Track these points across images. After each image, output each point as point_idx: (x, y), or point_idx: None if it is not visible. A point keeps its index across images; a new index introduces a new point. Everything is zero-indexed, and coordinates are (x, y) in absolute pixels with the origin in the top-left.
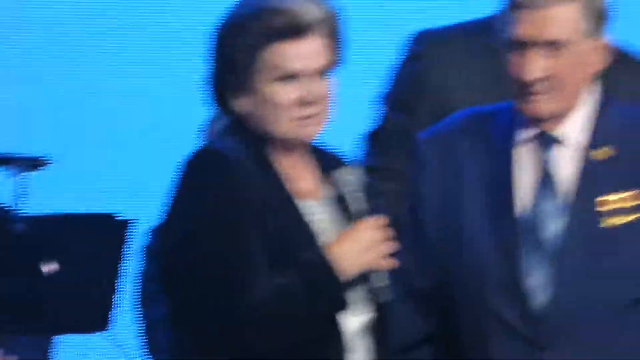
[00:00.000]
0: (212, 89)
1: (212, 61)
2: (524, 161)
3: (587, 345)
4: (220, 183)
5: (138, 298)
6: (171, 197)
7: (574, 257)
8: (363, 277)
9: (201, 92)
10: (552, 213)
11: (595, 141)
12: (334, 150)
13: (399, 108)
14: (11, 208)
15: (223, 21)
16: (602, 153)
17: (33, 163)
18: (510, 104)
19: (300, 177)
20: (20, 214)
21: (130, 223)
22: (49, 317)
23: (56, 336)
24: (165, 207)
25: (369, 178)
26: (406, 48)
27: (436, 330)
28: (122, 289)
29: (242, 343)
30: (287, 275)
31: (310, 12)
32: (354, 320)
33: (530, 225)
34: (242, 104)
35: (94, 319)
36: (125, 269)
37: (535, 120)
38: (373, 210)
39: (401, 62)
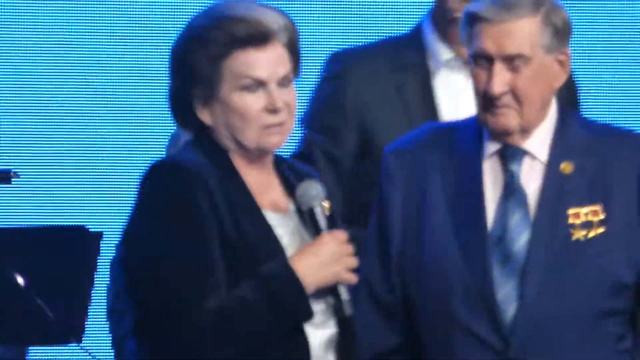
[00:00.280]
0: (175, 102)
1: (174, 74)
2: (490, 174)
3: (557, 357)
4: (178, 194)
5: (109, 311)
6: (132, 210)
7: (542, 270)
8: (326, 291)
9: (166, 104)
10: (520, 226)
11: (559, 155)
12: (298, 164)
13: (321, 129)
14: None
15: (184, 33)
16: (568, 167)
17: (1, 176)
18: (475, 117)
19: (264, 189)
20: None
21: (102, 235)
22: (23, 328)
23: (30, 347)
24: (128, 220)
25: None
26: (324, 69)
27: (403, 343)
28: (95, 300)
29: (199, 353)
30: (246, 285)
31: (272, 20)
32: (320, 335)
33: (499, 239)
34: (207, 116)
35: (68, 330)
36: (99, 281)
37: (500, 134)
38: (335, 224)
39: (320, 84)
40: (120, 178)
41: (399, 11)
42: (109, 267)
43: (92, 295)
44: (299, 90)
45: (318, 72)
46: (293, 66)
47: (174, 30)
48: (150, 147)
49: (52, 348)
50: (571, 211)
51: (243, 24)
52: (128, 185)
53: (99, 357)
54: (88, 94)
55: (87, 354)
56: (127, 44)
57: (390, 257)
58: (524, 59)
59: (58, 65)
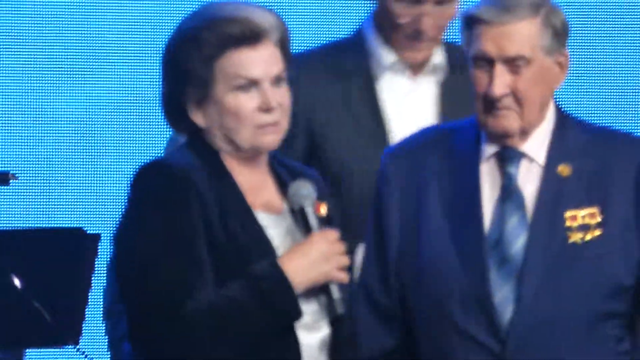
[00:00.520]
0: (168, 105)
1: (167, 76)
2: (488, 177)
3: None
4: (165, 195)
5: (106, 313)
6: (123, 212)
7: (540, 273)
8: (318, 291)
9: (160, 106)
10: (517, 229)
11: (557, 157)
12: (295, 163)
13: None
14: None
15: (175, 35)
16: (565, 169)
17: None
18: (473, 120)
19: (257, 190)
20: None
21: (100, 237)
22: (20, 330)
23: (27, 349)
24: (118, 222)
25: None
26: None
27: (401, 345)
28: (92, 302)
29: (187, 352)
30: (235, 285)
31: (263, 19)
32: (314, 336)
33: (496, 241)
34: (201, 117)
35: (65, 332)
36: (96, 282)
37: (500, 136)
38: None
39: None
40: (117, 180)
41: None
42: (106, 268)
43: (89, 297)
44: None
45: None
46: (285, 65)
47: (169, 32)
48: (149, 149)
49: (49, 350)
50: (568, 214)
51: (235, 24)
52: (125, 187)
53: (96, 359)
54: (86, 96)
55: (84, 356)
56: (123, 46)
57: (388, 259)
58: (525, 60)
59: (55, 66)
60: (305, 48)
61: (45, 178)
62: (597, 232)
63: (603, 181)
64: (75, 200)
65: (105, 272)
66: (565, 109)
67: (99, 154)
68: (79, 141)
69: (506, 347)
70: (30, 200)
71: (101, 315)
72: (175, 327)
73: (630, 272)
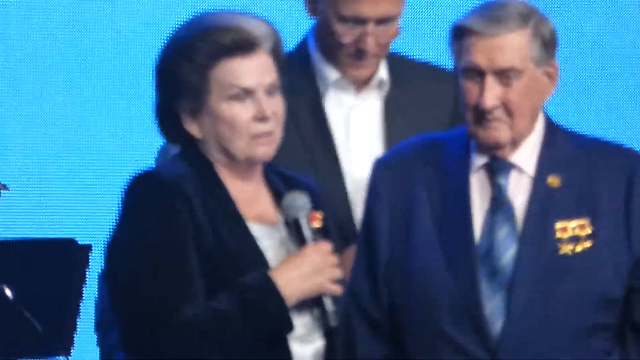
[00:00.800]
0: (162, 116)
1: (160, 87)
2: (477, 188)
3: None
4: (155, 206)
5: (97, 324)
6: (115, 223)
7: (530, 284)
8: (312, 303)
9: (153, 117)
10: (507, 240)
11: (547, 168)
12: (292, 174)
13: None
14: None
15: (168, 45)
16: (555, 180)
17: None
18: (463, 130)
19: (251, 200)
20: None
21: (91, 248)
22: (11, 341)
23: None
24: (110, 233)
25: None
26: None
27: (391, 355)
28: (84, 313)
29: None
30: (224, 296)
31: (256, 27)
32: (309, 348)
33: (487, 252)
34: (195, 128)
35: (57, 342)
36: (87, 293)
37: (491, 147)
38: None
39: None
40: (109, 190)
41: None
42: (97, 279)
43: (80, 307)
44: None
45: None
46: (278, 74)
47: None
48: (140, 160)
49: None
50: (559, 225)
51: (228, 33)
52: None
53: None
54: (78, 105)
55: None
56: (115, 57)
57: (377, 269)
58: (516, 72)
59: (47, 76)
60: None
61: (36, 188)
62: (587, 244)
63: (593, 192)
64: (67, 210)
65: (96, 282)
66: (553, 117)
67: (90, 164)
68: (70, 151)
69: (496, 358)
70: (22, 210)
71: (92, 325)
72: (166, 337)
73: (620, 283)
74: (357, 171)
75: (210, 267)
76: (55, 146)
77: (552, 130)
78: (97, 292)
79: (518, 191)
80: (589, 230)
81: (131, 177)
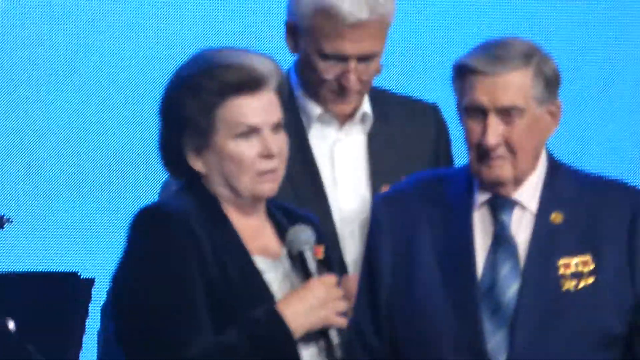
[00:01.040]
0: (166, 151)
1: (165, 123)
2: (480, 224)
3: None
4: (162, 241)
5: (99, 357)
6: (121, 258)
7: (532, 320)
8: (317, 335)
9: (157, 152)
10: (510, 276)
11: (549, 205)
12: (293, 208)
13: None
14: None
15: (174, 81)
16: (558, 217)
17: None
18: (465, 167)
19: (255, 234)
20: None
21: (94, 281)
22: None
23: None
24: (116, 267)
25: None
26: None
27: None
28: (86, 346)
29: None
30: (232, 331)
31: (262, 65)
32: None
33: (489, 289)
34: (200, 164)
35: None
36: (90, 326)
37: (493, 185)
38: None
39: None
40: (112, 223)
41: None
42: (100, 312)
43: (83, 341)
44: None
45: None
46: (282, 111)
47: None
48: (143, 193)
49: None
50: (561, 262)
51: (235, 71)
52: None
53: None
54: (80, 138)
55: None
56: (119, 86)
57: (379, 304)
58: (518, 110)
59: (49, 107)
60: None
61: (40, 222)
62: (590, 280)
63: (595, 229)
64: (70, 244)
65: (99, 316)
66: (553, 152)
67: (94, 197)
68: (74, 184)
69: None
70: (25, 244)
71: (95, 358)
72: None
73: (622, 320)
74: (344, 204)
75: (217, 301)
76: (58, 179)
77: (555, 167)
78: (99, 325)
79: (520, 228)
80: (591, 267)
81: (137, 212)
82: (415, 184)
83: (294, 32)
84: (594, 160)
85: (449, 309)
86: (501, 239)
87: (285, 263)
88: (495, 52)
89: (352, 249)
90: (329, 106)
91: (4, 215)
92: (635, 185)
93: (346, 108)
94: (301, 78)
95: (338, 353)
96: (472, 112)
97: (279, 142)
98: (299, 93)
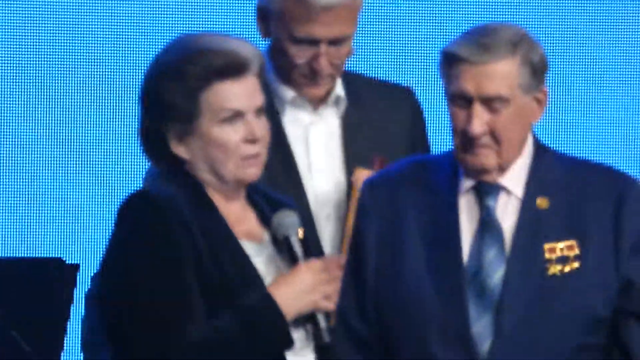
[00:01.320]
0: (148, 138)
1: (147, 110)
2: (466, 210)
3: None
4: (154, 226)
5: (84, 344)
6: (108, 244)
7: (518, 305)
8: (304, 319)
9: (138, 139)
10: (496, 261)
11: (535, 190)
12: (271, 192)
13: None
14: None
15: (155, 67)
16: (543, 202)
17: None
18: (450, 152)
19: (239, 219)
20: None
21: (79, 267)
22: None
23: None
24: (104, 254)
25: None
26: None
27: None
28: (70, 333)
29: None
30: (226, 316)
31: (245, 50)
32: None
33: (475, 273)
34: (183, 150)
35: None
36: (75, 313)
37: (478, 173)
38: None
39: None
40: (97, 209)
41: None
42: (84, 299)
43: (67, 327)
44: None
45: None
46: (264, 96)
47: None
48: (127, 179)
49: None
50: (547, 246)
51: (219, 56)
52: (105, 216)
53: None
54: (64, 123)
55: None
56: (100, 72)
57: (365, 290)
58: (504, 100)
59: (33, 91)
60: None
61: (24, 207)
62: (575, 265)
63: (581, 214)
64: (55, 230)
65: (83, 302)
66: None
67: (78, 183)
68: (57, 170)
69: None
70: (9, 229)
71: (79, 345)
72: (175, 358)
73: (607, 303)
74: (319, 188)
75: (209, 285)
76: (43, 164)
77: (541, 151)
78: (84, 312)
79: (507, 213)
80: (577, 251)
81: (126, 197)
82: (401, 170)
83: (265, 16)
84: (579, 144)
85: (434, 294)
86: (487, 225)
87: (269, 247)
88: (483, 40)
89: (328, 231)
90: (301, 90)
91: None
92: (620, 169)
93: (319, 91)
94: (273, 63)
95: (325, 337)
96: (458, 100)
97: (262, 127)
98: (271, 77)
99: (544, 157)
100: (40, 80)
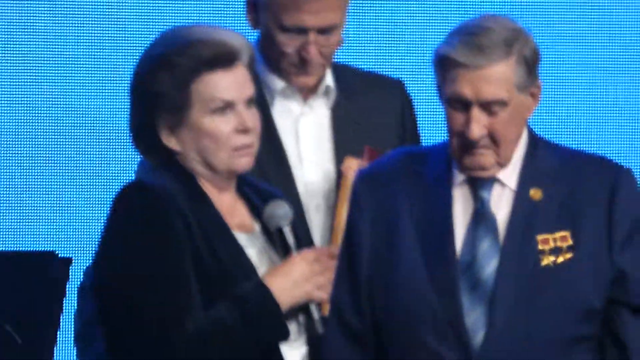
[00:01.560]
0: (139, 131)
1: (138, 102)
2: (460, 201)
3: None
4: (150, 216)
5: (77, 337)
6: (103, 235)
7: (511, 296)
8: (298, 310)
9: (128, 132)
10: (489, 252)
11: (529, 181)
12: (261, 184)
13: None
14: None
15: (145, 60)
16: (537, 193)
17: None
18: (444, 144)
19: (231, 210)
20: None
21: (72, 261)
22: None
23: None
24: (98, 245)
25: None
26: None
27: None
28: (63, 326)
29: None
30: (223, 306)
31: (235, 41)
32: (293, 354)
33: (468, 265)
34: (174, 142)
35: (36, 355)
36: (66, 305)
37: (477, 171)
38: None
39: None
40: (89, 202)
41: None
42: (76, 291)
43: (60, 320)
44: None
45: None
46: (254, 87)
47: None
48: (120, 172)
49: None
50: (540, 237)
51: (209, 46)
52: (98, 209)
53: None
54: (59, 116)
55: None
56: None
57: (359, 282)
58: (502, 103)
59: (26, 87)
60: None
61: (17, 200)
62: (569, 255)
63: (574, 204)
64: (47, 222)
65: (76, 295)
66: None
67: (71, 176)
68: (50, 164)
69: None
70: (2, 222)
71: (72, 338)
72: (167, 350)
73: (601, 294)
74: (309, 178)
75: (205, 275)
76: (36, 157)
77: (534, 143)
78: (77, 304)
79: (500, 204)
80: (570, 242)
81: (121, 188)
82: (394, 161)
83: (254, 7)
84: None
85: (428, 285)
86: (481, 216)
87: (261, 238)
88: (477, 41)
89: (318, 222)
90: (291, 79)
91: None
92: (613, 160)
93: (308, 80)
94: (263, 53)
95: (319, 328)
96: (455, 103)
97: (253, 117)
98: (261, 68)
99: (538, 148)
100: (35, 76)
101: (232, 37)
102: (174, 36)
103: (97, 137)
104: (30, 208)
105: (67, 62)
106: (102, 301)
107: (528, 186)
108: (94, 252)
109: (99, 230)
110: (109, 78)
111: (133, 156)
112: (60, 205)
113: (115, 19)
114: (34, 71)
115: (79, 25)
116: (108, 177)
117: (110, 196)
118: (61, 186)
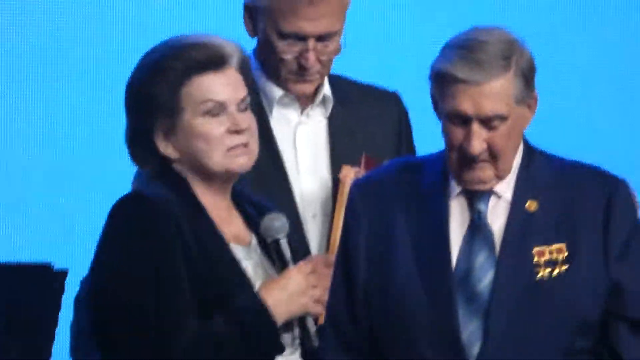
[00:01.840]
0: (135, 140)
1: (134, 110)
2: (456, 213)
3: None
4: (146, 228)
5: (73, 349)
6: (99, 245)
7: (507, 309)
8: (293, 322)
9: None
10: (485, 265)
11: (524, 193)
12: (256, 196)
13: None
14: None
15: (139, 69)
16: (533, 205)
17: None
18: (440, 155)
19: (227, 221)
20: None
21: (67, 273)
22: None
23: None
24: (94, 256)
25: None
26: None
27: None
28: (58, 339)
29: None
30: (218, 319)
31: (226, 45)
32: None
33: (464, 277)
34: (170, 148)
35: None
36: (62, 319)
37: (475, 185)
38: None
39: None
40: (86, 213)
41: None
42: (73, 304)
43: (55, 333)
44: None
45: None
46: (247, 91)
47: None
48: (117, 183)
49: None
50: (536, 249)
51: (199, 49)
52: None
53: None
54: (54, 126)
55: None
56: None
57: (355, 291)
58: (502, 118)
59: (23, 91)
60: None
61: (12, 212)
62: (565, 268)
63: (570, 216)
64: (43, 234)
65: (72, 308)
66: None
67: (66, 187)
68: (45, 173)
69: None
70: None
71: (67, 350)
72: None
73: (597, 307)
74: (306, 187)
75: (200, 288)
76: (31, 168)
77: (530, 154)
78: (73, 316)
79: (496, 216)
80: (566, 254)
81: (118, 200)
82: (390, 171)
83: (253, 14)
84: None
85: (424, 297)
86: (477, 228)
87: (257, 250)
88: (475, 56)
89: (315, 230)
90: (289, 87)
91: None
92: (610, 171)
93: (306, 88)
94: (261, 61)
95: (314, 341)
96: (454, 118)
97: (247, 119)
98: (259, 76)
99: (533, 158)
100: (29, 80)
101: (221, 41)
102: (165, 44)
103: (94, 148)
104: (25, 219)
105: (61, 69)
106: (97, 309)
107: (524, 198)
108: (90, 264)
109: (96, 242)
110: (106, 87)
111: (131, 166)
112: (57, 216)
113: (114, 26)
114: (28, 80)
115: (77, 30)
116: (105, 188)
117: (108, 207)
118: (57, 196)
